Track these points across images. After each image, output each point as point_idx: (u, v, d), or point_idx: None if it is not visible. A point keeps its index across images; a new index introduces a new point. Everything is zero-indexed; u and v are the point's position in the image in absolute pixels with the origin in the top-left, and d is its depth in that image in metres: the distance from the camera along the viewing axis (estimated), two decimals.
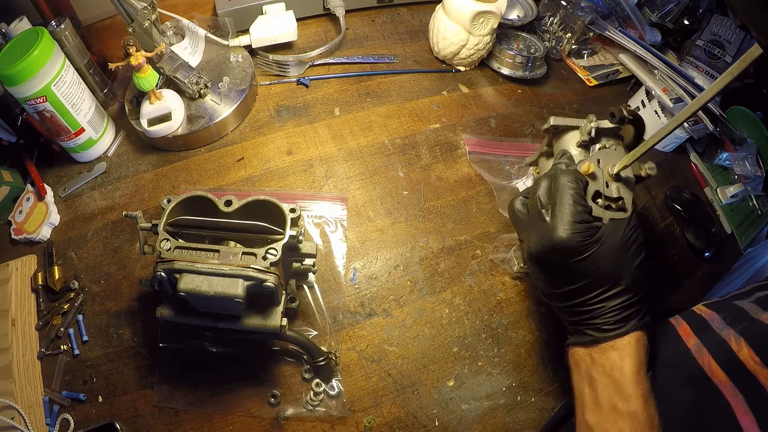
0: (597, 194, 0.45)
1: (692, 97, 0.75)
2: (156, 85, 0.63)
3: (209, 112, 0.67)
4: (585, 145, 0.49)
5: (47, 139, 0.65)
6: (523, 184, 0.68)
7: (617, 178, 0.45)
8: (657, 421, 0.39)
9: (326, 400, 0.53)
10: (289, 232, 0.47)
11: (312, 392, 0.52)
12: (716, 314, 0.45)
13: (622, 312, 0.42)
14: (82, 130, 0.63)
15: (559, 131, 0.52)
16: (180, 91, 0.66)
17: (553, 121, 0.51)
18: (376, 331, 0.57)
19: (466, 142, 0.71)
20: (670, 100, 0.75)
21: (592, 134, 0.48)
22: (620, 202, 0.45)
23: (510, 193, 0.68)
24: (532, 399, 0.56)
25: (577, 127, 0.50)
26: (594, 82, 0.84)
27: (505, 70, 0.80)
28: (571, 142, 0.50)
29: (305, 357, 0.53)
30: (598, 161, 0.46)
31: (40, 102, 0.57)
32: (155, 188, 0.65)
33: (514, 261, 0.62)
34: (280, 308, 0.48)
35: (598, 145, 0.49)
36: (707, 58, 0.82)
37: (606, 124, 0.48)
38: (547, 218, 0.43)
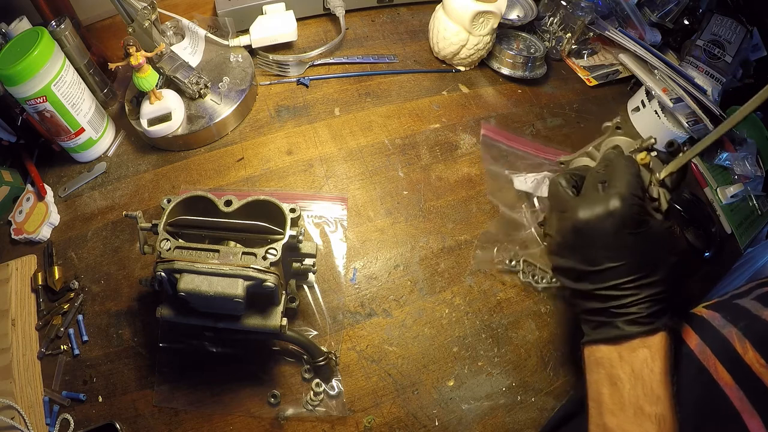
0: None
1: (692, 96, 0.75)
2: (156, 85, 0.63)
3: (209, 112, 0.67)
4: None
5: (47, 139, 0.65)
6: (523, 180, 0.68)
7: (661, 183, 0.46)
8: (677, 422, 0.37)
9: (326, 400, 0.53)
10: (289, 232, 0.47)
11: (312, 392, 0.52)
12: (716, 313, 0.45)
13: (656, 304, 0.40)
14: (82, 130, 0.63)
15: (618, 133, 0.53)
16: (180, 91, 0.66)
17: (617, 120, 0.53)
18: (376, 331, 0.57)
19: (482, 126, 0.72)
20: (670, 100, 0.75)
21: (650, 149, 0.48)
22: (656, 203, 0.45)
23: (505, 182, 0.68)
24: (532, 399, 0.56)
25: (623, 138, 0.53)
26: (594, 82, 0.84)
27: (505, 70, 0.80)
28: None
29: (305, 357, 0.53)
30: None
31: (40, 102, 0.57)
32: (155, 188, 0.65)
33: (512, 261, 0.62)
34: (280, 308, 0.48)
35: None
36: (707, 58, 0.82)
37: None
38: (609, 190, 0.42)
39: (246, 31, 0.74)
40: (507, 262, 0.62)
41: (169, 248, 0.45)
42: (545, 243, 0.56)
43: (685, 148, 0.47)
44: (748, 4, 0.89)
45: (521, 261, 0.62)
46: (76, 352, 0.54)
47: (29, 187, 0.65)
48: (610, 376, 0.40)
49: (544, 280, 0.62)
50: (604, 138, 0.56)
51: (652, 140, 0.47)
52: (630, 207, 0.40)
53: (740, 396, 0.37)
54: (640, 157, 0.46)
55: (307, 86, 0.75)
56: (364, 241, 0.62)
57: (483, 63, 0.81)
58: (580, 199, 0.43)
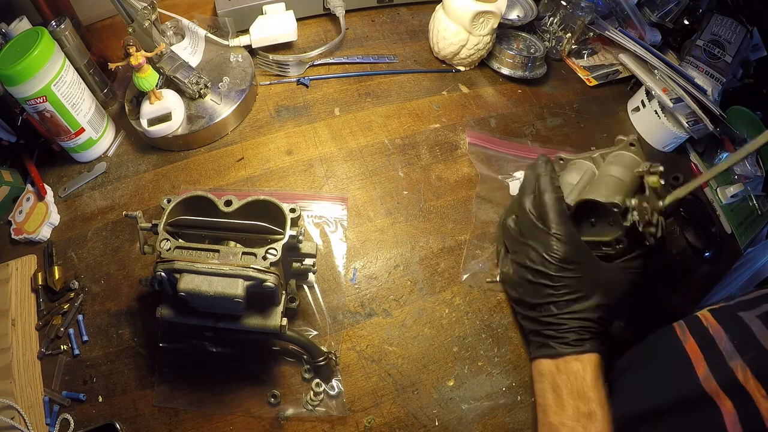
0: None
1: (692, 96, 0.75)
2: (156, 85, 0.63)
3: (209, 112, 0.67)
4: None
5: (47, 139, 0.65)
6: (518, 183, 0.67)
7: (664, 212, 0.47)
8: (611, 421, 0.45)
9: (326, 400, 0.53)
10: (289, 232, 0.47)
11: (312, 392, 0.52)
12: (723, 332, 0.45)
13: (584, 331, 0.49)
14: (82, 130, 0.63)
15: (631, 150, 0.55)
16: (180, 91, 0.66)
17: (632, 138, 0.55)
18: (376, 331, 0.57)
19: (467, 134, 0.72)
20: (670, 100, 0.75)
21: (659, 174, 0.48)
22: (652, 229, 0.47)
23: (497, 186, 0.68)
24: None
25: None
26: (594, 82, 0.84)
27: (505, 70, 0.80)
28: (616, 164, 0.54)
29: (305, 357, 0.53)
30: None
31: (40, 102, 0.57)
32: (155, 188, 0.65)
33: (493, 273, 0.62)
34: (280, 308, 0.48)
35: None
36: (707, 58, 0.82)
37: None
38: (549, 231, 0.50)
39: (246, 31, 0.74)
40: (499, 271, 0.61)
41: (169, 248, 0.45)
42: (499, 276, 0.61)
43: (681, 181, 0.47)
44: (748, 4, 0.89)
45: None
46: (76, 352, 0.54)
47: (29, 187, 0.65)
48: (552, 383, 0.48)
49: None
50: (614, 149, 0.57)
51: (661, 168, 0.47)
52: (568, 249, 0.49)
53: (735, 423, 0.39)
54: (652, 180, 0.46)
55: (307, 86, 0.75)
56: (364, 241, 0.62)
57: (483, 63, 0.81)
58: (526, 241, 0.53)
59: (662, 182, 0.46)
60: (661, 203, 0.46)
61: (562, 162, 0.62)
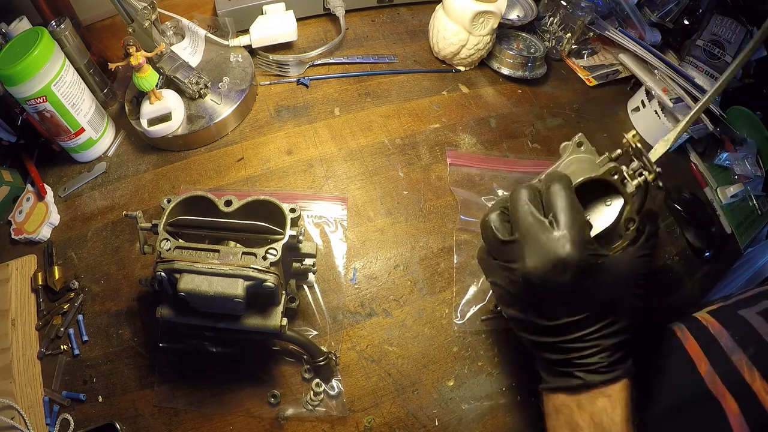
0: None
1: (692, 96, 0.75)
2: (156, 85, 0.63)
3: (209, 112, 0.67)
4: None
5: (47, 139, 0.65)
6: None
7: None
8: None
9: (326, 400, 0.53)
10: (289, 232, 0.47)
11: (312, 392, 0.52)
12: (724, 330, 0.43)
13: (618, 351, 0.39)
14: (82, 130, 0.63)
15: (581, 151, 0.48)
16: (180, 91, 0.66)
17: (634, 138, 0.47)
18: (376, 331, 0.57)
19: (447, 154, 0.69)
20: (670, 100, 0.75)
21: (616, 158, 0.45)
22: (628, 232, 0.43)
23: (479, 207, 0.64)
24: (532, 399, 0.55)
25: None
26: (594, 82, 0.84)
27: (505, 70, 0.80)
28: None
29: (305, 357, 0.53)
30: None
31: (40, 102, 0.57)
32: (155, 188, 0.65)
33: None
34: (280, 308, 0.48)
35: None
36: (707, 58, 0.82)
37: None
38: (556, 231, 0.38)
39: (246, 31, 0.74)
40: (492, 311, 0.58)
41: (169, 248, 0.45)
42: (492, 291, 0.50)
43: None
44: (748, 4, 0.89)
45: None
46: (76, 352, 0.54)
47: (29, 187, 0.65)
48: (570, 423, 0.39)
49: None
50: (564, 159, 0.49)
51: (618, 151, 0.44)
52: (584, 253, 0.37)
53: (741, 423, 0.37)
54: (635, 184, 0.43)
55: (307, 86, 0.75)
56: (364, 241, 0.62)
57: (483, 63, 0.81)
58: (523, 245, 0.39)
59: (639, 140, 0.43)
60: (650, 155, 0.42)
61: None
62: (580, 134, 0.48)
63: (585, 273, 0.38)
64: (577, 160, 0.47)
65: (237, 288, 0.43)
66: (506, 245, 0.41)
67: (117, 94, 0.73)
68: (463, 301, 0.59)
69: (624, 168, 0.43)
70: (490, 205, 0.63)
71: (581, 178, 0.43)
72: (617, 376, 0.38)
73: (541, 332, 0.41)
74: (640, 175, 0.43)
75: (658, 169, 0.42)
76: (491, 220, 0.42)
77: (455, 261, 0.61)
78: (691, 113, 0.43)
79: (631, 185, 0.44)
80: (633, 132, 0.44)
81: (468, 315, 0.58)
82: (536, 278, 0.38)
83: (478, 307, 0.59)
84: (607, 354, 0.38)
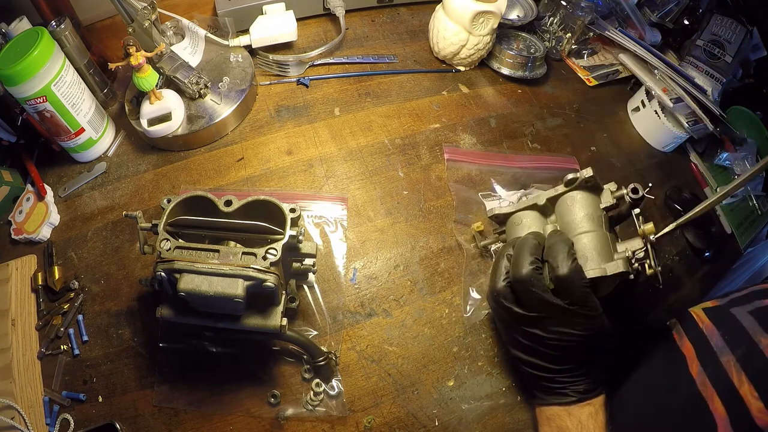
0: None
1: (692, 96, 0.75)
2: (156, 85, 0.63)
3: (209, 112, 0.67)
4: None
5: (47, 139, 0.65)
6: (497, 204, 0.65)
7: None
8: None
9: (326, 400, 0.53)
10: (289, 232, 0.47)
11: (312, 392, 0.52)
12: (715, 329, 0.46)
13: (600, 376, 0.49)
14: (82, 130, 0.63)
15: (587, 187, 0.51)
16: (180, 91, 0.66)
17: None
18: (376, 331, 0.57)
19: (444, 150, 0.70)
20: (670, 100, 0.75)
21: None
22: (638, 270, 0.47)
23: (477, 208, 0.65)
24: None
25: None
26: (594, 82, 0.84)
27: (505, 70, 0.80)
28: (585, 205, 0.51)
29: (305, 357, 0.53)
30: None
31: (40, 102, 0.57)
32: (155, 188, 0.65)
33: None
34: (280, 308, 0.48)
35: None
36: (707, 58, 0.82)
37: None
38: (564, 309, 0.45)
39: (246, 31, 0.74)
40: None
41: (169, 248, 0.45)
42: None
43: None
44: (748, 4, 0.89)
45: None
46: (76, 352, 0.54)
47: (29, 187, 0.65)
48: (560, 427, 0.47)
49: None
50: (565, 191, 0.51)
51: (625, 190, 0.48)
52: (595, 324, 0.46)
53: (727, 426, 0.39)
54: (648, 228, 0.46)
55: (307, 86, 0.75)
56: (364, 241, 0.62)
57: (483, 63, 0.81)
58: (546, 317, 0.46)
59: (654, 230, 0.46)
60: (651, 238, 0.46)
61: (497, 217, 0.57)
62: (588, 170, 0.49)
63: (593, 338, 0.47)
64: (584, 199, 0.50)
65: (237, 288, 0.43)
66: (527, 319, 0.48)
67: (117, 94, 0.72)
68: (472, 294, 0.60)
69: (631, 255, 0.47)
70: (489, 206, 0.64)
71: (597, 273, 0.46)
72: (599, 392, 0.48)
73: (548, 372, 0.49)
74: (641, 263, 0.47)
75: (659, 268, 0.46)
76: (502, 295, 0.49)
77: (464, 247, 0.62)
78: (704, 205, 0.48)
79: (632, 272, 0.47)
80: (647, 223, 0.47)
81: (473, 309, 0.59)
82: (557, 347, 0.47)
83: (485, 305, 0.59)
84: (591, 379, 0.48)
